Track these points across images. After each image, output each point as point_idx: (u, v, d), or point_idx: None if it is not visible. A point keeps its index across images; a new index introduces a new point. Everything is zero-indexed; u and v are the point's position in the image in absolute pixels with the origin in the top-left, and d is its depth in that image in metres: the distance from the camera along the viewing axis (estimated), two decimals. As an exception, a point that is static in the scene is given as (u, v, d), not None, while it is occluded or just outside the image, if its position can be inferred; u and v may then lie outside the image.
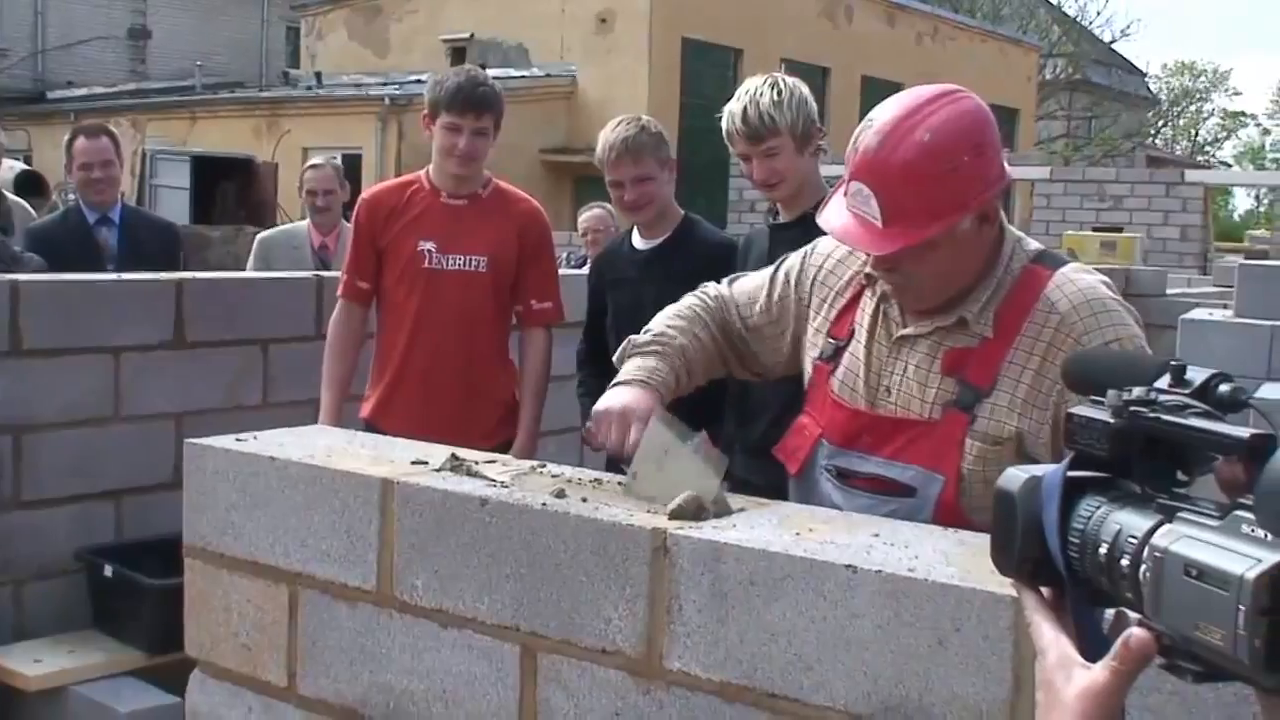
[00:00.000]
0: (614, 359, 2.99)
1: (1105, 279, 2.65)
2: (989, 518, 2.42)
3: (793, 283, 2.95)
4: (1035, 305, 2.56)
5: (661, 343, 2.91)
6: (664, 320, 3.00)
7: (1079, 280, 2.59)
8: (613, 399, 2.74)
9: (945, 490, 2.54)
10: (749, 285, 3.05)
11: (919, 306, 2.65)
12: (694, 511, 2.32)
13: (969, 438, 2.54)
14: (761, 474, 3.56)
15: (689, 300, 3.08)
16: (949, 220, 2.48)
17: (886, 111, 2.52)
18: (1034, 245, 2.70)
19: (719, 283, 3.14)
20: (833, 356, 2.78)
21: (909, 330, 2.66)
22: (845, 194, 2.57)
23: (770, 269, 3.05)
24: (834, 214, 2.60)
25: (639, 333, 4.53)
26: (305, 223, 7.42)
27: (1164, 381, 1.24)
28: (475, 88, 4.64)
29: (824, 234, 2.81)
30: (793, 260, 3.00)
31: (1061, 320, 2.52)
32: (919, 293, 2.63)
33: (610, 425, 2.68)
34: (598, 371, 4.72)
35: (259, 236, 7.56)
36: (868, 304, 2.76)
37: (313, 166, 7.47)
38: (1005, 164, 2.60)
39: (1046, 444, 2.50)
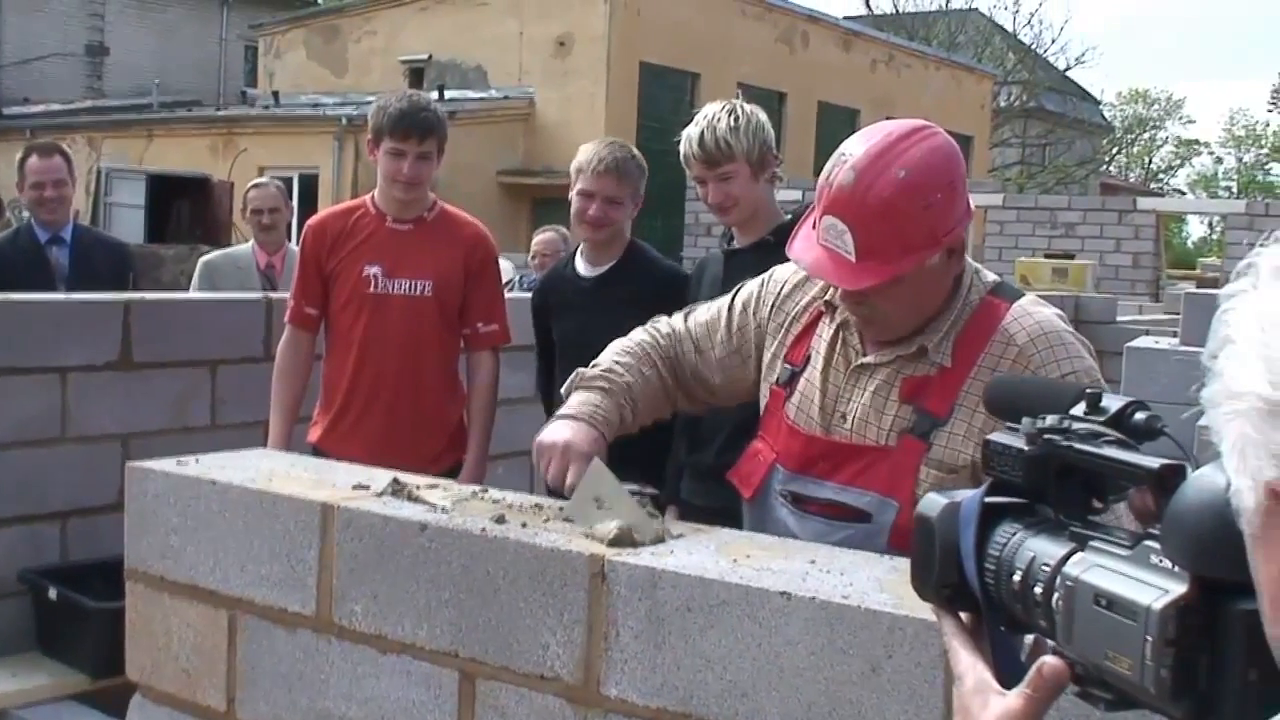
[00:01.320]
0: (561, 390, 2.99)
1: (1060, 312, 2.68)
2: None
3: (751, 310, 2.96)
4: (993, 336, 2.58)
5: (608, 379, 2.90)
6: (612, 355, 3.00)
7: (1036, 313, 2.62)
8: (555, 433, 2.75)
9: (900, 516, 2.55)
10: (705, 317, 3.05)
11: (885, 338, 2.67)
12: (632, 539, 2.33)
13: (924, 465, 2.56)
14: (711, 497, 3.58)
15: (639, 335, 3.07)
16: (921, 256, 2.50)
17: (860, 147, 2.52)
18: (991, 276, 2.73)
19: (670, 316, 3.13)
20: (788, 382, 2.79)
21: (869, 359, 2.68)
22: (815, 227, 2.58)
23: (726, 299, 3.05)
24: (804, 247, 2.62)
25: (586, 361, 4.55)
26: (249, 244, 7.39)
27: (1080, 409, 1.25)
28: (417, 112, 4.65)
29: (780, 259, 2.83)
30: (750, 287, 3.01)
31: (1019, 352, 2.55)
32: (885, 324, 2.65)
33: (551, 460, 2.70)
34: (546, 392, 4.74)
35: (202, 260, 7.49)
36: (825, 330, 2.77)
37: (256, 185, 7.45)
38: (970, 198, 2.63)
39: None
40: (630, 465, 4.35)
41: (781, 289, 2.91)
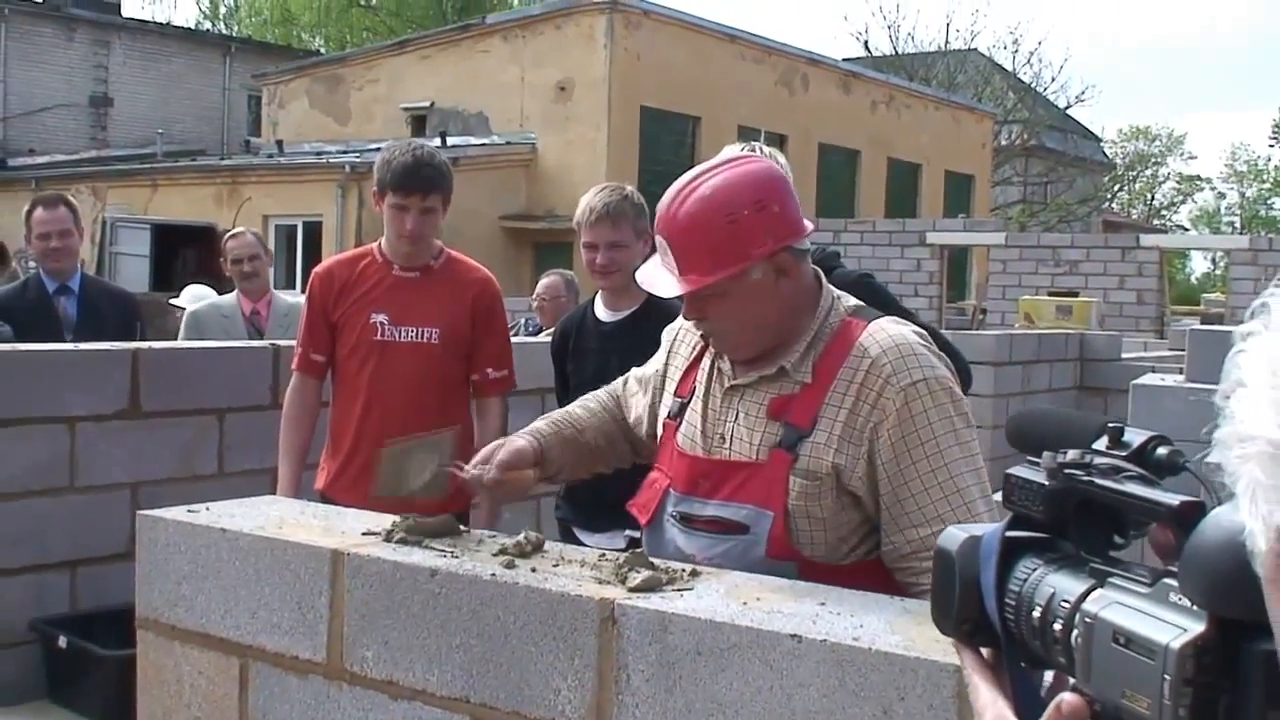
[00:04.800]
0: None
1: (919, 330, 2.84)
2: (818, 553, 2.56)
3: (658, 361, 3.16)
4: (849, 352, 2.72)
5: (548, 415, 3.23)
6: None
7: (889, 329, 2.76)
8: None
9: (775, 526, 2.66)
10: (636, 372, 3.28)
11: (734, 355, 2.84)
12: (651, 585, 2.34)
13: (792, 475, 2.67)
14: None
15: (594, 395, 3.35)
16: (732, 268, 2.67)
17: (685, 176, 2.76)
18: (852, 302, 2.88)
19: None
20: (679, 413, 2.94)
21: (738, 381, 2.82)
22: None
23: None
24: (646, 267, 2.87)
25: None
26: (234, 294, 7.43)
27: (1103, 443, 1.24)
28: (420, 168, 4.65)
29: None
30: (665, 334, 3.20)
31: (873, 363, 2.68)
32: (729, 341, 2.82)
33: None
34: None
35: (188, 311, 7.51)
36: (706, 363, 2.93)
37: (233, 236, 7.51)
38: (804, 223, 2.79)
39: (863, 477, 2.64)
40: (603, 505, 4.39)
41: (678, 334, 3.11)
